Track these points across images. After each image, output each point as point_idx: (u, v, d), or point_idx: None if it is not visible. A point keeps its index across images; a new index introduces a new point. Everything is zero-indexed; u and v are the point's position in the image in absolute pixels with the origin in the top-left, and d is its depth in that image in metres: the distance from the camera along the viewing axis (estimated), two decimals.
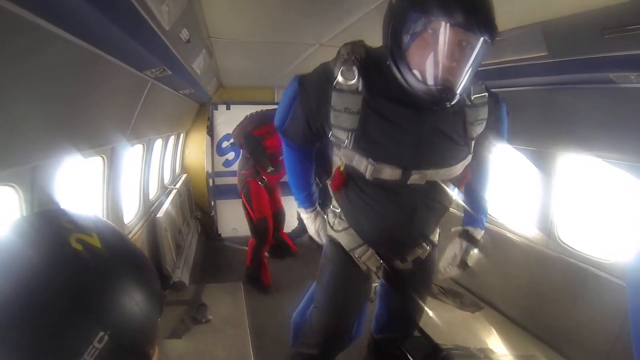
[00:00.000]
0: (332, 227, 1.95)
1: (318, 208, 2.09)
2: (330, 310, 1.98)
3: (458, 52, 1.25)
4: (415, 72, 1.33)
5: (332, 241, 1.95)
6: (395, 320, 2.28)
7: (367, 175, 1.60)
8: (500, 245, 3.05)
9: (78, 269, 0.58)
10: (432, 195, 1.71)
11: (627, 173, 2.10)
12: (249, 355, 2.40)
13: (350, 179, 1.74)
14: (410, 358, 2.91)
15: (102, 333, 0.55)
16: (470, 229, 1.90)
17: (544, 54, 1.86)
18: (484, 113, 1.63)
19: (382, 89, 1.48)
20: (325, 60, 3.07)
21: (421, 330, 2.71)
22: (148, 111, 2.75)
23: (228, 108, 5.77)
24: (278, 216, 4.67)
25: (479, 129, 1.64)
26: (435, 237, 1.98)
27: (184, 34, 1.98)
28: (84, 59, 1.51)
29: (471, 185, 1.89)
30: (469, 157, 1.70)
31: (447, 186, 1.73)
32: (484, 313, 2.92)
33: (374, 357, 2.62)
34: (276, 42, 2.77)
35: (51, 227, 0.63)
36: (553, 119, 2.38)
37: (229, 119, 5.61)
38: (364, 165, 1.60)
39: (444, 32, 1.22)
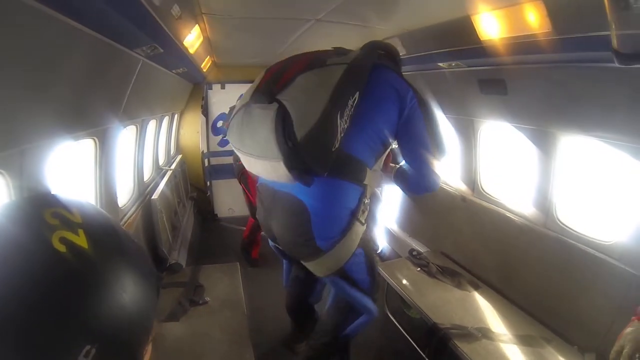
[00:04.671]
0: (361, 222, 2.03)
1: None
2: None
3: None
4: None
5: (364, 244, 2.12)
6: None
7: None
8: (498, 224, 3.05)
9: (61, 275, 0.52)
10: None
11: (628, 154, 2.07)
12: (246, 336, 2.40)
13: None
14: (409, 338, 2.95)
15: (88, 347, 0.50)
16: None
17: (547, 30, 1.81)
18: None
19: None
20: (322, 36, 3.05)
21: (419, 310, 2.73)
22: (140, 91, 2.69)
23: (223, 87, 5.70)
24: None
25: None
26: None
27: (175, 10, 1.92)
28: (72, 37, 1.45)
29: None
30: None
31: None
32: (482, 292, 2.92)
33: None
34: (271, 17, 2.69)
35: (32, 224, 0.55)
36: (555, 98, 2.34)
37: (224, 98, 5.57)
38: None
39: None
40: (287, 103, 1.76)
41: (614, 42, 1.12)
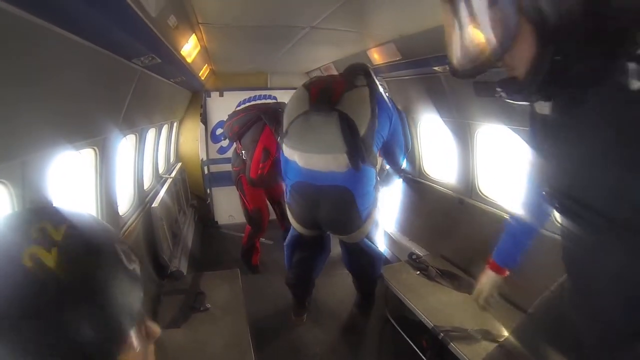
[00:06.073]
0: (378, 192, 3.07)
1: None
2: None
3: None
4: None
5: None
6: None
7: None
8: (497, 226, 3.04)
9: (20, 289, 0.53)
10: None
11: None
12: (247, 342, 2.41)
13: None
14: (409, 341, 2.95)
15: None
16: None
17: None
18: None
19: None
20: (317, 43, 3.19)
21: (419, 313, 2.73)
22: (139, 101, 2.72)
23: (221, 95, 5.72)
24: (281, 205, 4.82)
25: None
26: None
27: (172, 21, 1.94)
28: (71, 50, 1.47)
29: None
30: None
31: None
32: None
33: None
34: (267, 26, 2.72)
35: (15, 237, 0.57)
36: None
37: (223, 106, 5.58)
38: None
39: None
40: (346, 112, 2.62)
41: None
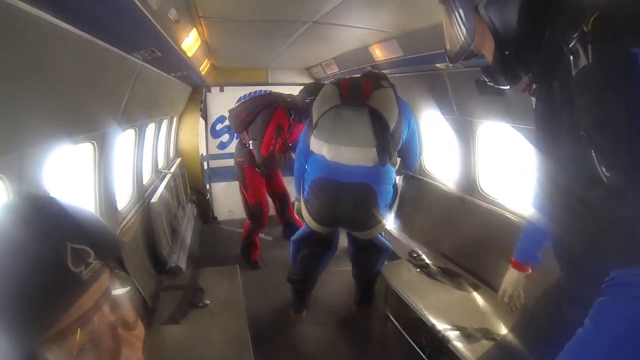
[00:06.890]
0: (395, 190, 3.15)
1: None
2: None
3: None
4: None
5: None
6: None
7: None
8: (498, 225, 3.05)
9: None
10: None
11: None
12: (246, 338, 2.39)
13: None
14: (409, 339, 2.94)
15: None
16: None
17: None
18: None
19: None
20: (319, 38, 3.18)
21: (419, 311, 2.72)
22: (139, 95, 2.70)
23: (221, 90, 5.70)
24: (281, 199, 4.86)
25: None
26: None
27: (172, 14, 1.92)
28: (70, 42, 1.45)
29: None
30: None
31: None
32: (482, 293, 2.91)
33: None
34: (268, 20, 2.70)
35: None
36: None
37: (223, 101, 5.58)
38: None
39: None
40: (376, 107, 2.75)
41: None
